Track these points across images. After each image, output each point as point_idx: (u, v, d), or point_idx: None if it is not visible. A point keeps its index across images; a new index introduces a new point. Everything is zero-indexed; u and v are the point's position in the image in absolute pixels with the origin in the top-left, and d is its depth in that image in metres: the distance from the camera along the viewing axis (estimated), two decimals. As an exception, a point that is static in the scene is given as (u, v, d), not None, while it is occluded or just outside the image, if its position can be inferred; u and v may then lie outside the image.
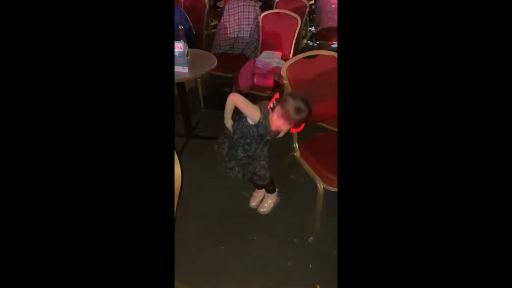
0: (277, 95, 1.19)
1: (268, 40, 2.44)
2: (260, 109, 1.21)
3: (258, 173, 1.41)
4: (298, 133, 1.48)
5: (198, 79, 2.53)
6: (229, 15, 2.54)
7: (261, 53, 2.44)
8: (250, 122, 1.26)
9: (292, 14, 2.33)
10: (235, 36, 2.60)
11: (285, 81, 1.41)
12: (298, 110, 1.12)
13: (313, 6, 3.55)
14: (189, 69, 1.67)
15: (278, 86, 2.12)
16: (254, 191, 1.68)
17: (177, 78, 1.65)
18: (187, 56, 1.64)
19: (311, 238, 1.51)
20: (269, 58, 2.29)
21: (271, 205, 1.64)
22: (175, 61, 1.64)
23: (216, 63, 1.79)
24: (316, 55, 1.49)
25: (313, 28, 3.83)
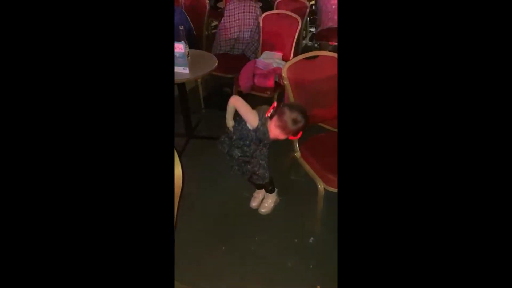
0: (274, 104, 1.22)
1: (269, 41, 2.44)
2: (259, 115, 1.23)
3: (257, 173, 1.42)
4: (299, 134, 1.48)
5: (199, 80, 2.53)
6: (229, 15, 2.54)
7: (261, 53, 2.44)
8: (249, 126, 1.27)
9: (293, 14, 2.34)
10: (236, 36, 2.60)
11: (286, 82, 1.41)
12: (295, 121, 1.16)
13: (313, 7, 3.56)
14: (189, 69, 1.67)
15: (278, 86, 2.13)
16: (254, 191, 1.68)
17: (177, 78, 1.65)
18: (187, 56, 1.65)
19: (312, 238, 1.51)
20: (270, 59, 2.30)
21: (271, 205, 1.64)
22: (176, 61, 1.64)
23: (216, 63, 1.79)
24: (317, 56, 1.49)
25: (313, 29, 3.83)
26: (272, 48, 2.42)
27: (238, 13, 2.53)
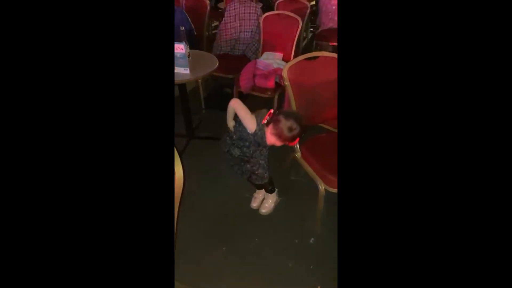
0: (271, 111, 1.23)
1: (269, 41, 2.44)
2: (257, 120, 1.25)
3: (256, 172, 1.42)
4: (299, 134, 1.48)
5: (199, 80, 2.53)
6: (230, 16, 2.54)
7: (262, 54, 2.44)
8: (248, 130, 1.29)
9: (293, 15, 2.34)
10: (236, 37, 2.60)
11: (286, 82, 1.41)
12: (290, 129, 1.18)
13: (314, 8, 3.56)
14: (190, 70, 1.68)
15: (279, 87, 2.13)
16: (255, 192, 1.68)
17: (178, 79, 1.65)
18: (188, 57, 1.65)
19: (312, 239, 1.51)
20: (270, 59, 2.30)
21: (272, 205, 1.64)
22: (177, 62, 1.64)
23: (217, 64, 1.79)
24: (317, 57, 1.49)
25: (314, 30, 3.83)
26: (272, 48, 2.42)
27: (239, 13, 2.54)
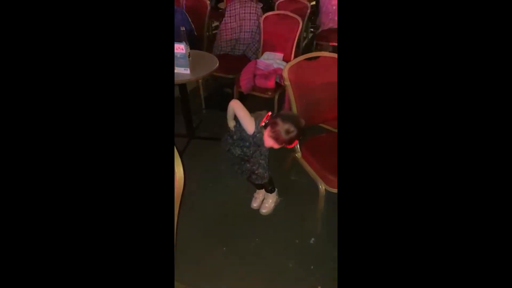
0: (269, 114, 1.23)
1: (269, 41, 2.44)
2: (256, 121, 1.25)
3: (255, 172, 1.42)
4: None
5: (200, 80, 2.53)
6: (230, 16, 2.54)
7: (262, 54, 2.45)
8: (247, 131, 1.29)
9: (293, 15, 2.34)
10: (237, 37, 2.60)
11: (287, 83, 1.42)
12: (287, 132, 1.18)
13: (314, 8, 3.56)
14: (190, 70, 1.68)
15: (279, 87, 2.13)
16: (255, 192, 1.68)
17: (179, 79, 1.65)
18: (188, 57, 1.65)
19: (313, 239, 1.51)
20: (270, 59, 2.30)
21: (272, 205, 1.64)
22: (177, 62, 1.64)
23: (217, 64, 1.80)
24: (318, 57, 1.49)
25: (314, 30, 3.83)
26: (273, 48, 2.42)
27: (239, 13, 2.54)
